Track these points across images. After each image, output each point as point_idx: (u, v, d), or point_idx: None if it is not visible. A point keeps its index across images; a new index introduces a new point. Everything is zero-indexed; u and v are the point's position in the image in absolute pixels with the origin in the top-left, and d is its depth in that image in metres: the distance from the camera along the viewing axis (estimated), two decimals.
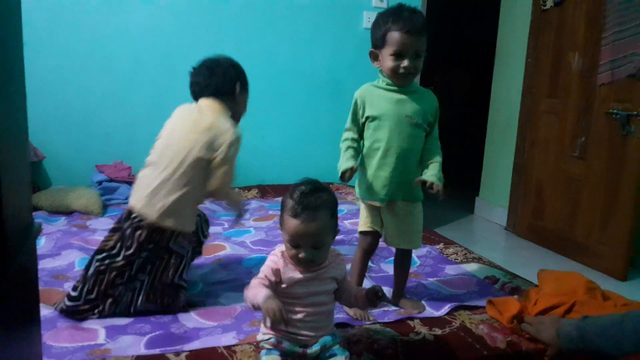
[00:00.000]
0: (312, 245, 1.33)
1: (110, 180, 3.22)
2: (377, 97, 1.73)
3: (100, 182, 3.18)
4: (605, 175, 3.21)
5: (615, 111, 3.10)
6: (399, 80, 1.71)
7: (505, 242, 3.86)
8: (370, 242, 1.84)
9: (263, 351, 1.40)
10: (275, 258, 1.39)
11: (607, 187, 3.19)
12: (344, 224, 2.86)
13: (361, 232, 1.85)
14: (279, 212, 3.12)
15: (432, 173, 1.73)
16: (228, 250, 2.39)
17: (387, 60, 1.68)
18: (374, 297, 1.40)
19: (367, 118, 1.74)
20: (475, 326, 1.69)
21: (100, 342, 1.55)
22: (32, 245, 1.01)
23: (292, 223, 1.32)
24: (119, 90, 3.43)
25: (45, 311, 1.68)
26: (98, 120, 3.41)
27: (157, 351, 1.48)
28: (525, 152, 3.92)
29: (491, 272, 2.16)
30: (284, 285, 1.36)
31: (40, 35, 3.19)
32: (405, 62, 1.65)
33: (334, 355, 1.39)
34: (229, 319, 1.73)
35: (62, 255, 2.23)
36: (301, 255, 1.33)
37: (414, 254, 2.37)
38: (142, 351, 1.48)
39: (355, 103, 1.76)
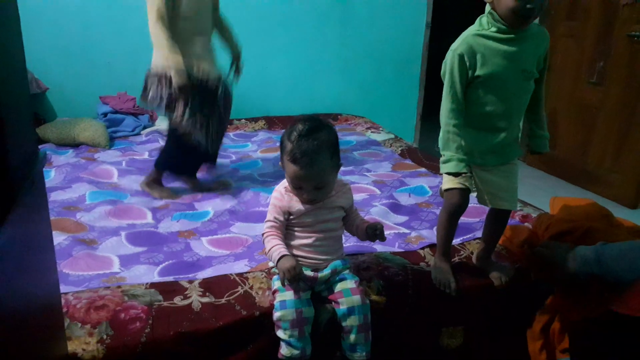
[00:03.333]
0: (314, 187, 1.33)
1: (115, 112, 3.18)
2: (490, 51, 1.35)
3: (105, 114, 3.14)
4: (622, 101, 3.11)
5: (637, 33, 2.95)
6: (518, 24, 1.33)
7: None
8: (458, 201, 1.48)
9: (275, 276, 1.42)
10: (279, 195, 1.39)
11: (623, 114, 3.10)
12: (354, 154, 2.83)
13: (447, 190, 1.49)
14: None
15: (540, 141, 1.50)
16: (235, 183, 2.39)
17: None
18: (373, 234, 1.41)
19: (474, 78, 1.38)
20: None
21: (115, 270, 1.58)
22: (39, 173, 1.00)
23: (292, 168, 1.30)
24: (119, 18, 3.30)
25: (60, 240, 1.70)
26: (99, 50, 3.31)
27: (170, 278, 1.50)
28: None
29: None
30: (292, 217, 1.38)
31: None
32: (532, 3, 1.28)
33: (344, 279, 1.42)
34: (241, 248, 1.75)
35: (73, 188, 2.24)
36: (304, 196, 1.34)
37: (426, 183, 2.35)
38: (156, 278, 1.51)
39: (461, 61, 1.36)
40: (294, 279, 1.29)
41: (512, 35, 1.35)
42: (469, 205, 1.84)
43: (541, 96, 1.49)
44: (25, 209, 0.87)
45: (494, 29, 1.35)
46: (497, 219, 1.60)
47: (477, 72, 1.37)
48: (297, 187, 1.34)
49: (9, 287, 0.78)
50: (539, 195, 2.98)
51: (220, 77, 2.21)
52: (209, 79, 2.14)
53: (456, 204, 1.48)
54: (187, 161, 2.26)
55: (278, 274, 1.40)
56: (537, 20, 1.42)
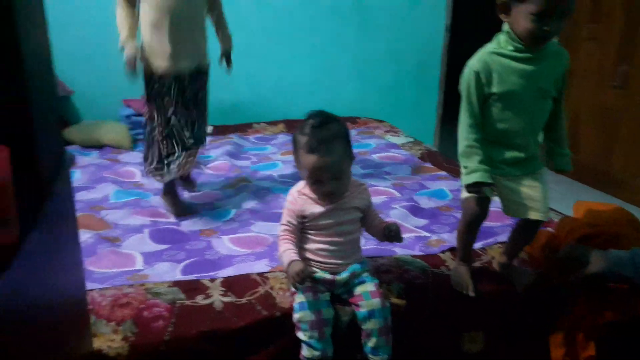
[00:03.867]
0: (332, 177, 1.33)
1: (139, 115, 3.22)
2: (506, 70, 1.35)
3: (128, 117, 3.19)
4: None
5: None
6: (535, 44, 1.32)
7: None
8: (477, 210, 1.46)
9: None
10: (292, 198, 1.39)
11: None
12: (373, 158, 2.82)
13: (466, 199, 1.47)
14: None
15: (562, 159, 1.48)
16: (255, 183, 2.41)
17: (523, 19, 1.28)
18: (388, 234, 1.40)
19: (490, 95, 1.38)
20: None
21: (138, 267, 1.60)
22: (66, 173, 1.03)
23: (310, 159, 1.30)
24: None
25: (85, 237, 1.74)
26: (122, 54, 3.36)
27: (192, 277, 1.52)
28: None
29: None
30: (307, 220, 1.38)
31: None
32: (549, 25, 1.27)
33: (364, 282, 1.42)
34: (261, 247, 1.76)
35: (97, 188, 2.28)
36: (324, 189, 1.33)
37: (447, 187, 2.34)
38: (178, 276, 1.53)
39: (477, 78, 1.36)
40: (302, 281, 1.29)
41: (529, 55, 1.34)
42: (491, 209, 1.81)
43: (561, 115, 1.46)
44: (55, 209, 0.90)
45: (511, 47, 1.34)
46: (525, 229, 1.54)
47: (493, 90, 1.37)
48: (316, 179, 1.33)
49: (40, 284, 0.80)
50: (561, 200, 2.94)
51: (195, 69, 1.98)
52: (169, 70, 1.92)
53: (475, 213, 1.47)
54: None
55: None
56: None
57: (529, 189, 1.45)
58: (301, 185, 1.41)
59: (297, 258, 1.32)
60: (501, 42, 1.37)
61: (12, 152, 0.70)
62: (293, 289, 1.41)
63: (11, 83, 0.80)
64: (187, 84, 1.95)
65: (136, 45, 1.91)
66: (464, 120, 1.40)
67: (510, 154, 1.43)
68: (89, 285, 1.42)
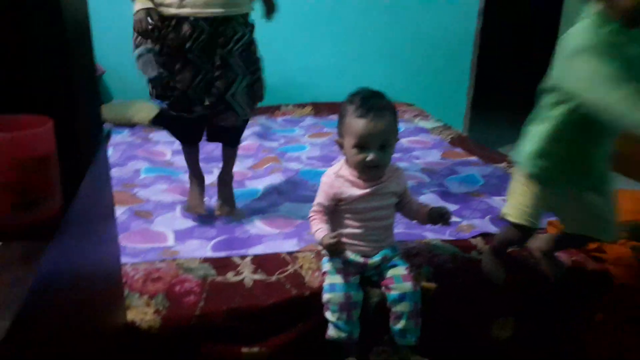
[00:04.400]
0: (379, 144, 1.31)
1: None
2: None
3: None
4: None
5: None
6: (634, 24, 1.16)
7: None
8: (518, 237, 1.42)
9: (325, 258, 1.43)
10: (329, 180, 1.37)
11: None
12: (401, 142, 2.79)
13: (514, 224, 1.37)
14: (333, 130, 3.09)
15: None
16: (284, 164, 2.41)
17: None
18: (438, 218, 1.38)
19: None
20: None
21: (169, 244, 1.63)
22: (104, 148, 1.04)
23: (360, 123, 1.29)
24: None
25: (117, 213, 1.77)
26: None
27: (223, 254, 1.54)
28: None
29: None
30: (343, 203, 1.36)
31: None
32: None
33: (395, 265, 1.41)
34: (290, 228, 1.77)
35: (129, 165, 2.32)
36: (369, 157, 1.31)
37: (478, 172, 2.30)
38: (209, 253, 1.55)
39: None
40: (337, 248, 1.29)
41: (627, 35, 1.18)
42: None
43: None
44: (93, 182, 0.91)
45: (608, 28, 1.18)
46: (581, 240, 1.48)
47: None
48: (363, 146, 1.31)
49: (80, 256, 0.82)
50: None
51: (212, 17, 1.70)
52: (178, 15, 1.69)
53: (514, 239, 1.44)
54: (170, 117, 1.85)
55: (327, 255, 1.41)
56: None
57: (593, 206, 1.34)
58: (338, 167, 1.39)
59: (330, 232, 1.31)
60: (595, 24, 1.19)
61: (55, 125, 0.71)
62: (324, 269, 1.41)
63: (55, 57, 0.81)
64: None
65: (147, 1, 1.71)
66: (598, 70, 1.14)
67: (594, 154, 1.28)
68: (122, 260, 1.44)
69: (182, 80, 1.71)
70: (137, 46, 1.80)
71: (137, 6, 1.71)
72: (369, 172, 1.34)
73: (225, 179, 1.93)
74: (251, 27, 1.83)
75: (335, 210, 1.38)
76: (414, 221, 1.52)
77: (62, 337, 0.70)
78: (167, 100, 1.79)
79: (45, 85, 0.82)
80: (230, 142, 1.94)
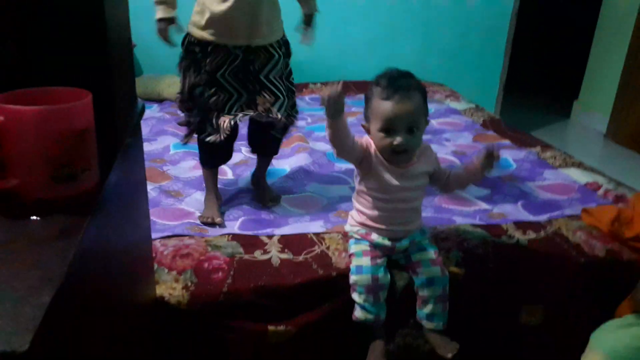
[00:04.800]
0: (407, 127, 1.27)
1: None
2: None
3: None
4: None
5: None
6: None
7: (604, 150, 3.59)
8: None
9: (352, 240, 1.42)
10: (367, 141, 1.33)
11: None
12: (432, 123, 2.73)
13: None
14: (361, 109, 3.04)
15: None
16: (310, 143, 2.39)
17: None
18: (489, 159, 1.31)
19: None
20: (573, 233, 1.60)
21: (198, 222, 1.64)
22: (138, 121, 1.04)
23: (386, 105, 1.25)
24: None
25: (148, 189, 1.78)
26: (184, 7, 3.38)
27: (250, 232, 1.54)
28: None
29: (593, 178, 2.01)
30: (369, 180, 1.33)
31: None
32: None
33: (424, 249, 1.39)
34: (316, 209, 1.76)
35: (158, 140, 2.34)
36: (396, 141, 1.26)
37: (510, 156, 2.25)
38: (236, 231, 1.55)
39: None
40: (337, 99, 1.18)
41: None
42: (556, 181, 1.66)
43: None
44: (127, 155, 0.91)
45: None
46: None
47: None
48: (389, 129, 1.26)
49: (116, 230, 0.82)
50: (629, 177, 2.77)
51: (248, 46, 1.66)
52: (208, 40, 1.64)
53: None
54: (202, 146, 1.77)
55: (355, 237, 1.40)
56: None
57: None
58: (374, 141, 1.34)
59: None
60: None
61: (93, 98, 0.71)
62: (351, 251, 1.40)
63: (92, 31, 0.80)
64: None
65: (170, 10, 1.69)
66: None
67: None
68: (152, 235, 1.46)
69: (216, 103, 1.66)
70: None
71: (159, 14, 1.70)
72: (396, 157, 1.30)
73: (259, 176, 1.90)
74: (285, 46, 1.76)
75: (360, 189, 1.35)
76: (467, 185, 1.46)
77: (98, 311, 0.71)
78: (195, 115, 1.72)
79: (82, 58, 0.82)
80: (272, 151, 1.92)
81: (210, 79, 1.65)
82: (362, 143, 1.32)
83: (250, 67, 1.67)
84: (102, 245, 0.72)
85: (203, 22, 1.63)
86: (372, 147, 1.32)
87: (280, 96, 1.68)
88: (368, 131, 1.33)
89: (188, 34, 1.69)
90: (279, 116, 1.67)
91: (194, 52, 1.66)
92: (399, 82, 1.26)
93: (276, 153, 1.94)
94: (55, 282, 0.51)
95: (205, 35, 1.64)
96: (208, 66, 1.64)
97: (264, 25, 1.65)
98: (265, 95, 1.68)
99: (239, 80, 1.67)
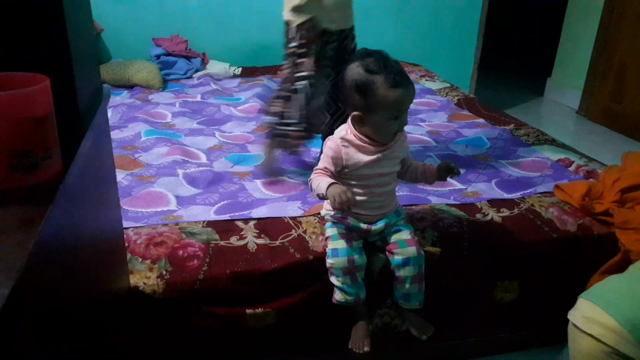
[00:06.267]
0: (408, 108, 1.28)
1: (168, 55, 3.18)
2: None
3: (158, 56, 3.15)
4: None
5: None
6: None
7: (577, 127, 3.65)
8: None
9: (328, 223, 1.41)
10: (334, 145, 1.29)
11: None
12: None
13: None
14: None
15: None
16: None
17: None
18: (446, 173, 1.35)
19: None
20: (545, 209, 1.63)
21: (172, 208, 1.61)
22: (103, 108, 1.01)
23: (397, 93, 1.21)
24: None
25: (119, 178, 1.75)
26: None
27: (226, 217, 1.52)
28: (610, 26, 3.53)
29: (565, 155, 2.05)
30: (347, 170, 1.31)
31: None
32: None
33: (399, 230, 1.39)
34: (294, 191, 1.75)
35: (129, 127, 2.28)
36: (404, 122, 1.28)
37: (484, 135, 2.27)
38: (212, 217, 1.54)
39: None
40: (347, 202, 1.19)
41: None
42: (529, 159, 1.65)
43: None
44: (93, 144, 0.88)
45: None
46: None
47: None
48: (397, 115, 1.25)
49: (81, 219, 0.80)
50: (601, 152, 2.83)
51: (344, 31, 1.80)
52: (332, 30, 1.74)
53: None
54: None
55: (331, 221, 1.39)
56: None
57: None
58: (344, 131, 1.32)
59: (337, 182, 1.24)
60: None
61: (52, 84, 0.68)
62: (327, 234, 1.39)
63: (49, 13, 0.77)
64: None
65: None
66: None
67: None
68: (124, 224, 1.43)
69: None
70: (298, 78, 1.73)
71: (301, 18, 1.68)
72: (394, 137, 1.30)
73: None
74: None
75: (339, 177, 1.32)
76: (419, 184, 1.48)
77: (64, 302, 0.69)
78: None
79: (40, 43, 0.78)
80: None
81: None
82: (334, 163, 1.29)
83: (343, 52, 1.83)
84: (66, 236, 0.69)
85: None
86: (342, 150, 1.29)
87: None
88: (363, 121, 1.27)
89: None
90: None
91: None
92: (395, 67, 1.24)
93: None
94: (14, 274, 0.49)
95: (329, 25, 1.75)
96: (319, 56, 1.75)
97: None
98: None
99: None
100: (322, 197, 1.25)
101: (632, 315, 1.04)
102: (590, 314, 1.09)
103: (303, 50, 1.71)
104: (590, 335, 1.07)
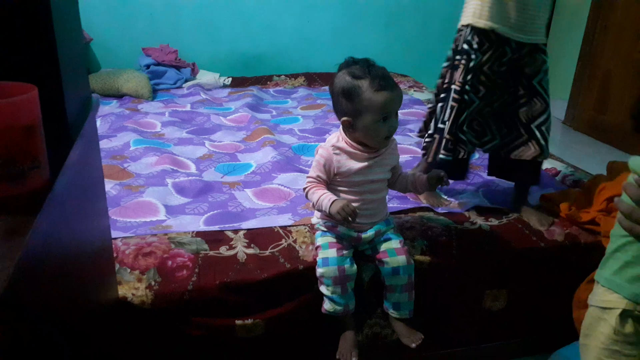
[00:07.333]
0: (397, 111, 1.29)
1: (158, 64, 3.18)
2: None
3: (148, 66, 3.15)
4: None
5: None
6: None
7: (562, 137, 3.69)
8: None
9: (318, 232, 1.42)
10: (325, 153, 1.31)
11: None
12: None
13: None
14: (326, 102, 3.04)
15: None
16: (276, 136, 2.37)
17: None
18: (436, 183, 1.36)
19: None
20: None
21: (161, 218, 1.60)
22: (92, 118, 1.00)
23: (382, 96, 1.24)
24: None
25: (107, 187, 1.73)
26: (141, 1, 3.30)
27: (216, 227, 1.52)
28: (594, 38, 3.59)
29: (552, 164, 2.07)
30: (340, 177, 1.32)
31: None
32: None
33: (389, 239, 1.39)
34: (284, 202, 1.75)
35: (118, 137, 2.27)
36: (393, 125, 1.29)
37: None
38: (202, 227, 1.53)
39: None
40: (353, 213, 1.23)
41: None
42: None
43: None
44: (81, 153, 0.88)
45: None
46: None
47: None
48: (385, 117, 1.27)
49: (69, 229, 0.79)
50: (586, 162, 2.86)
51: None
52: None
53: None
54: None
55: (322, 230, 1.39)
56: None
57: None
58: (335, 139, 1.34)
59: (337, 198, 1.27)
60: None
61: (40, 94, 0.68)
62: (317, 244, 1.39)
63: (38, 25, 0.77)
64: None
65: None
66: None
67: None
68: (113, 234, 1.41)
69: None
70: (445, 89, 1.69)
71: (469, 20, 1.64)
72: (386, 142, 1.32)
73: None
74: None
75: (330, 184, 1.34)
76: (408, 193, 1.49)
77: (52, 313, 0.68)
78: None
79: (28, 51, 0.78)
80: (529, 179, 1.70)
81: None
82: (326, 170, 1.31)
83: (522, 67, 1.75)
84: (53, 246, 0.69)
85: None
86: (334, 158, 1.31)
87: (549, 107, 1.82)
88: (351, 125, 1.29)
89: None
90: None
91: None
92: (380, 71, 1.27)
93: (538, 181, 1.73)
94: (0, 285, 0.48)
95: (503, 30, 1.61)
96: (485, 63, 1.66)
97: None
98: (534, 102, 1.82)
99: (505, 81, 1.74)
100: (327, 215, 1.29)
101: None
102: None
103: (458, 59, 1.63)
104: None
